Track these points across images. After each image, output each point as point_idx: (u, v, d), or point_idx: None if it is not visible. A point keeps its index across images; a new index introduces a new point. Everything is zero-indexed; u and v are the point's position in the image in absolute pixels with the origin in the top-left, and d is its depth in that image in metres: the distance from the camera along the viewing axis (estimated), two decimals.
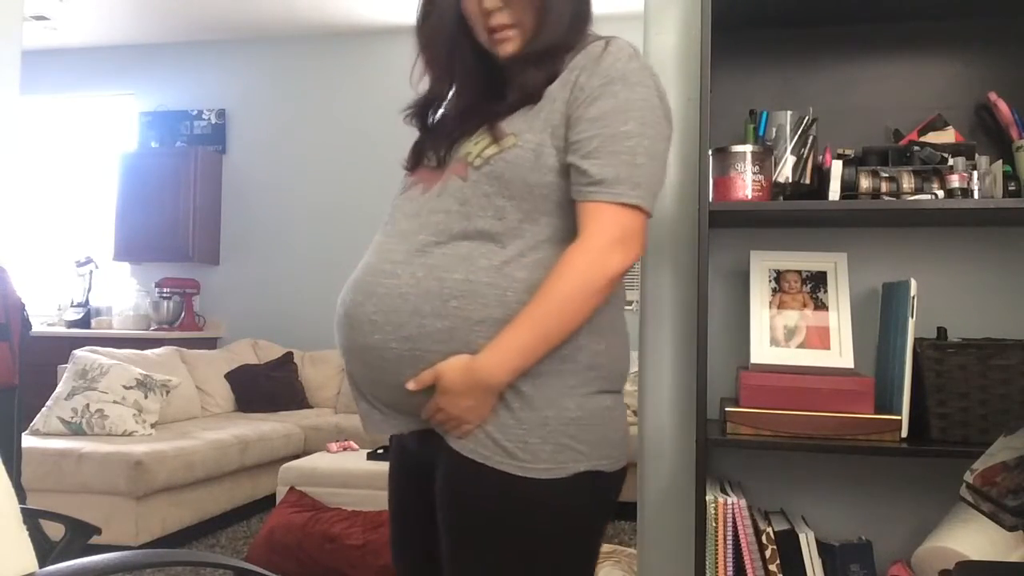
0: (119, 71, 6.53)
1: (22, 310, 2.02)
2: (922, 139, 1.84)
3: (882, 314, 1.87)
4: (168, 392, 4.31)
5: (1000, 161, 1.77)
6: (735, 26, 1.89)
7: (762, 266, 1.86)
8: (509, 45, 1.26)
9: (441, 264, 1.20)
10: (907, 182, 1.73)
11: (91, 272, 6.06)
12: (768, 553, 1.71)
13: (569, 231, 1.22)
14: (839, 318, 1.80)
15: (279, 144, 6.27)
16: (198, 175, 6.09)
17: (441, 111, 1.34)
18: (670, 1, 2.06)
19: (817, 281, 1.84)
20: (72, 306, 6.08)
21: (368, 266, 1.25)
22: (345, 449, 4.01)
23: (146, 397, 4.15)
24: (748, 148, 1.74)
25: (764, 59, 2.00)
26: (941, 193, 1.70)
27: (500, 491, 1.18)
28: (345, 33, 6.16)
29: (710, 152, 1.75)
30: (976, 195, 1.70)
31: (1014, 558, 1.61)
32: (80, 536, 1.80)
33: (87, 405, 4.00)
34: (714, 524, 1.71)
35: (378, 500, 3.42)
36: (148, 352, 4.73)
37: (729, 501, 1.72)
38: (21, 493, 1.89)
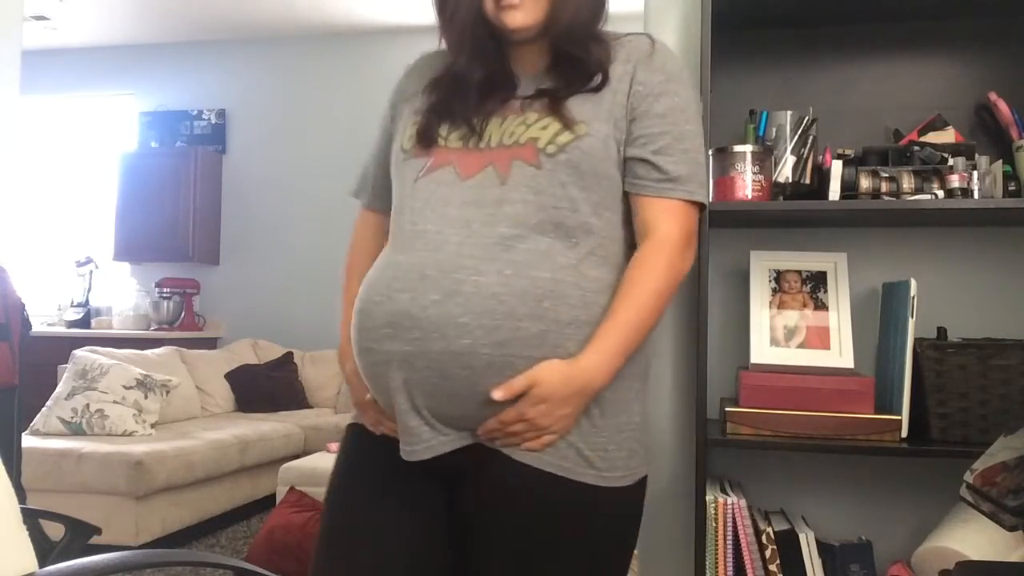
0: (119, 71, 6.53)
1: (22, 310, 2.02)
2: (922, 139, 1.84)
3: (882, 314, 1.87)
4: (168, 392, 4.31)
5: (1000, 161, 1.77)
6: (735, 26, 1.89)
7: (762, 266, 1.86)
8: (517, 15, 1.16)
9: (527, 261, 1.11)
10: (907, 182, 1.73)
11: (91, 272, 6.06)
12: (768, 553, 1.71)
13: (621, 227, 1.20)
14: (839, 318, 1.80)
15: (279, 144, 6.27)
16: (198, 175, 6.09)
17: (451, 87, 1.23)
18: (670, 1, 2.06)
19: (817, 281, 1.84)
20: (72, 306, 6.08)
21: (435, 261, 1.11)
22: None
23: (146, 397, 4.15)
24: (748, 148, 1.74)
25: (764, 59, 2.00)
26: (941, 193, 1.70)
27: (585, 503, 1.13)
28: (345, 33, 6.16)
29: (710, 152, 1.75)
30: (976, 195, 1.70)
31: (1014, 558, 1.61)
32: (80, 536, 1.79)
33: (87, 405, 4.00)
34: (714, 524, 1.71)
35: None
36: (148, 352, 4.73)
37: (729, 501, 1.72)
38: (21, 493, 1.89)
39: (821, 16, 1.92)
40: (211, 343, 6.07)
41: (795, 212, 1.78)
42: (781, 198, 1.81)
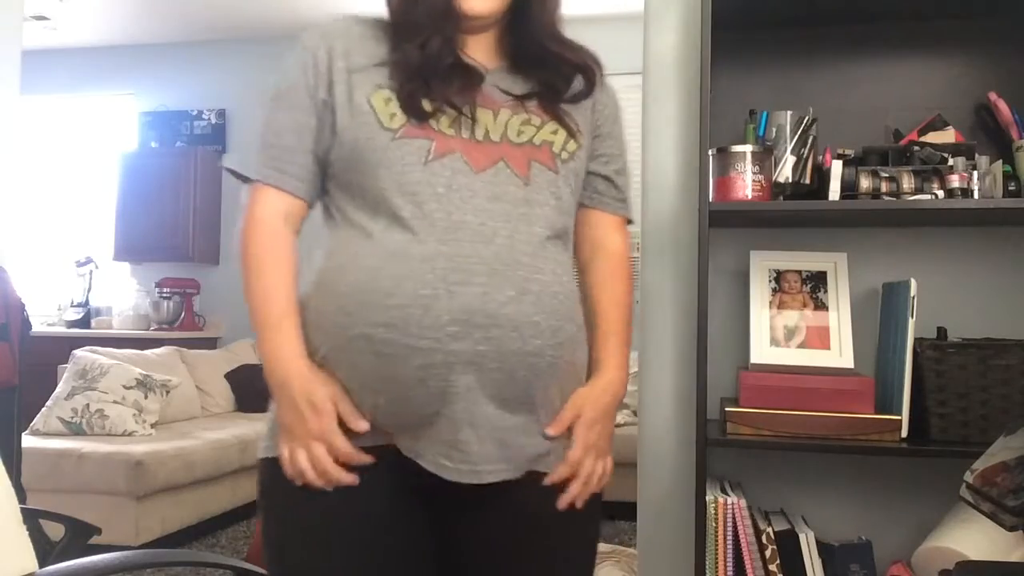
0: (119, 71, 6.53)
1: (22, 310, 2.02)
2: (922, 139, 1.84)
3: (882, 314, 1.87)
4: (168, 392, 4.30)
5: (1000, 161, 1.77)
6: (735, 26, 1.89)
7: (762, 266, 1.86)
8: (476, 1, 1.09)
9: (560, 262, 1.12)
10: (907, 182, 1.73)
11: (91, 272, 6.05)
12: (768, 553, 1.71)
13: None
14: (839, 318, 1.80)
15: None
16: (198, 175, 6.08)
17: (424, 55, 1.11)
18: (670, 1, 2.06)
19: (817, 281, 1.84)
20: (72, 306, 6.07)
21: (493, 254, 1.03)
22: None
23: (146, 397, 4.15)
24: (748, 148, 1.74)
25: (764, 59, 2.00)
26: (941, 193, 1.70)
27: (595, 511, 1.18)
28: None
29: (710, 152, 1.75)
30: (976, 195, 1.70)
31: (1014, 558, 1.61)
32: (80, 536, 1.80)
33: (87, 405, 4.00)
34: (714, 524, 1.71)
35: None
36: (148, 352, 4.73)
37: (729, 501, 1.72)
38: (21, 493, 1.89)
39: (821, 16, 1.92)
40: (211, 343, 6.06)
41: (795, 212, 1.78)
42: (781, 198, 1.81)
